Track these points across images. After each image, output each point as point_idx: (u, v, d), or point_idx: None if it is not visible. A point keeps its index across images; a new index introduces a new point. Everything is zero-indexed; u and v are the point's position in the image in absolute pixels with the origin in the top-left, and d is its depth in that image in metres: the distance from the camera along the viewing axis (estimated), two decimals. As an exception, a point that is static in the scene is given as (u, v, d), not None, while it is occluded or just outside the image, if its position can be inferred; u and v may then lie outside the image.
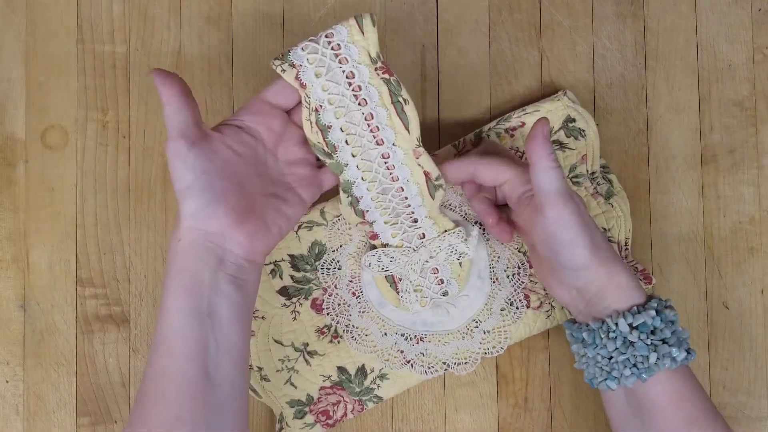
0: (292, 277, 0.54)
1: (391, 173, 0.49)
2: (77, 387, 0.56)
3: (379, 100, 0.47)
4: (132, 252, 0.56)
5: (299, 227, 0.54)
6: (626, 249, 0.54)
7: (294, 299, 0.54)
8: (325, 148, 0.48)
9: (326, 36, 0.46)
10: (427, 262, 0.52)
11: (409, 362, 0.53)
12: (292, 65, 0.46)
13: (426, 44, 0.57)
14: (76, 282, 0.56)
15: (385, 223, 0.51)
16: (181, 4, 0.57)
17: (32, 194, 0.56)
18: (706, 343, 0.56)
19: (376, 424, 0.56)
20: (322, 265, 0.54)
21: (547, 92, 0.57)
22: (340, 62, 0.47)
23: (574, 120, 0.54)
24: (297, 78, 0.47)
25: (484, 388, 0.56)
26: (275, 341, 0.54)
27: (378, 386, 0.54)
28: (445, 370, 0.53)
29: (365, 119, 0.48)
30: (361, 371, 0.54)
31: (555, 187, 0.46)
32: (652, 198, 0.57)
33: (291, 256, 0.54)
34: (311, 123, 0.47)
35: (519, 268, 0.54)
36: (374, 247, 0.52)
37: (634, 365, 0.45)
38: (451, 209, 0.54)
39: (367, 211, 0.51)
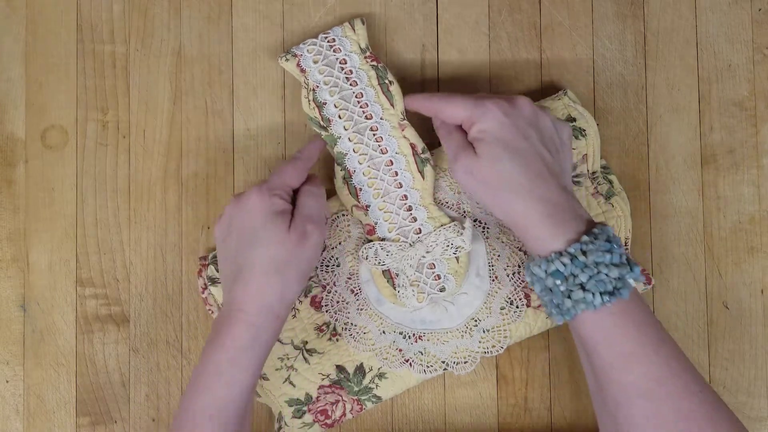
0: None
1: (379, 145, 0.53)
2: (77, 387, 0.56)
3: (368, 81, 0.54)
4: (132, 252, 0.56)
5: None
6: (626, 249, 0.54)
7: None
8: (321, 122, 0.54)
9: (323, 34, 0.54)
10: (423, 257, 0.52)
11: (407, 361, 0.53)
12: (294, 55, 0.54)
13: (426, 44, 0.57)
14: (76, 282, 0.56)
15: (380, 209, 0.53)
16: (181, 4, 0.57)
17: (32, 194, 0.56)
18: (706, 343, 0.56)
19: (376, 424, 0.56)
20: (321, 263, 0.54)
21: (547, 92, 0.57)
22: (334, 51, 0.54)
23: (574, 119, 0.54)
24: (298, 65, 0.54)
25: (484, 388, 0.56)
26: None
27: (377, 385, 0.54)
28: (444, 369, 0.53)
29: (356, 97, 0.54)
30: (360, 370, 0.54)
31: (482, 137, 0.48)
32: (652, 198, 0.57)
33: None
34: (309, 100, 0.54)
35: (519, 266, 0.54)
36: (371, 242, 0.53)
37: (557, 306, 0.46)
38: (448, 207, 0.54)
39: (361, 189, 0.53)
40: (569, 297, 0.45)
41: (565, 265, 0.45)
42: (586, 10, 0.58)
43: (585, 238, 0.46)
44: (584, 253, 0.45)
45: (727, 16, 0.58)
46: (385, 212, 0.53)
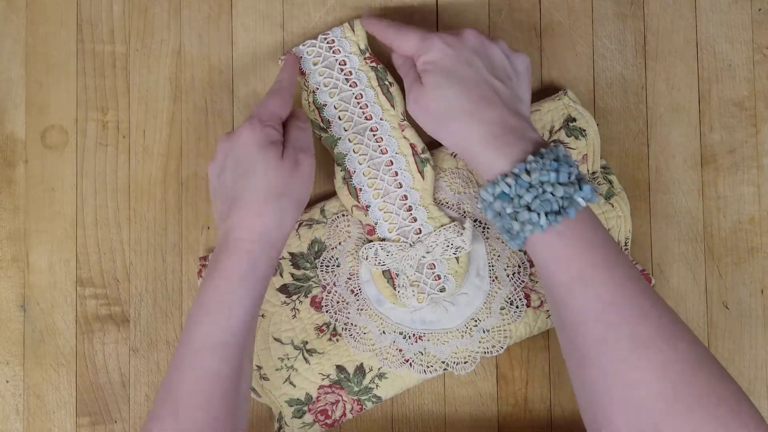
0: (292, 275, 0.54)
1: (379, 146, 0.53)
2: (77, 387, 0.56)
3: (368, 83, 0.54)
4: (132, 252, 0.56)
5: (300, 225, 0.54)
6: (626, 249, 0.54)
7: (294, 297, 0.54)
8: (321, 124, 0.54)
9: (323, 35, 0.55)
10: (423, 257, 0.52)
11: (407, 361, 0.53)
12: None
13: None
14: (76, 282, 0.56)
15: (380, 210, 0.53)
16: (181, 4, 0.57)
17: (32, 194, 0.56)
18: (706, 343, 0.56)
19: (376, 424, 0.56)
20: (321, 263, 0.54)
21: (547, 92, 0.57)
22: (333, 52, 0.54)
23: (574, 120, 0.54)
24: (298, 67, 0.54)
25: (484, 388, 0.56)
26: (275, 339, 0.54)
27: (377, 385, 0.54)
28: (444, 369, 0.53)
29: (355, 98, 0.54)
30: (360, 370, 0.54)
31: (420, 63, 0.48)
32: (652, 198, 0.57)
33: (291, 254, 0.54)
34: (309, 103, 0.54)
35: (519, 267, 0.54)
36: (371, 242, 0.53)
37: (508, 231, 0.45)
38: (448, 207, 0.54)
39: (361, 189, 0.53)
40: (516, 219, 0.44)
41: (509, 186, 0.44)
42: (586, 10, 0.57)
43: (530, 158, 0.44)
44: (528, 172, 0.44)
45: (727, 16, 0.58)
46: (385, 212, 0.53)
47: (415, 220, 0.53)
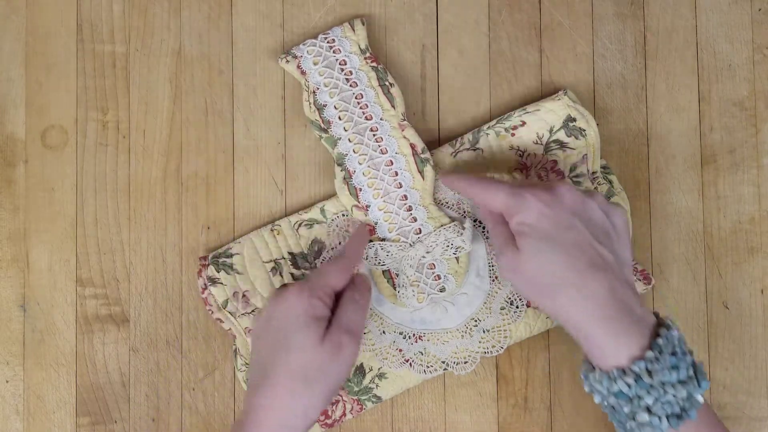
0: (292, 274, 0.54)
1: (379, 146, 0.53)
2: (77, 387, 0.56)
3: (368, 83, 0.54)
4: (132, 252, 0.56)
5: (300, 225, 0.54)
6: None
7: None
8: (321, 124, 0.54)
9: (323, 35, 0.54)
10: (423, 257, 0.52)
11: (407, 361, 0.53)
12: (294, 57, 0.54)
13: (426, 44, 0.57)
14: (76, 282, 0.56)
15: (380, 210, 0.53)
16: (181, 4, 0.57)
17: (32, 194, 0.56)
18: (706, 343, 0.56)
19: (376, 424, 0.56)
20: (321, 263, 0.54)
21: (547, 92, 0.57)
22: (334, 52, 0.54)
23: (574, 119, 0.54)
24: (298, 67, 0.54)
25: (484, 388, 0.56)
26: None
27: (377, 385, 0.54)
28: (444, 369, 0.53)
29: (356, 98, 0.54)
30: (360, 370, 0.54)
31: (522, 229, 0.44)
32: (652, 198, 0.57)
33: (291, 254, 0.54)
34: (309, 103, 0.54)
35: None
36: (372, 242, 0.53)
37: (620, 423, 0.43)
38: (448, 207, 0.54)
39: (361, 189, 0.53)
40: (633, 419, 0.42)
41: (629, 386, 0.42)
42: (586, 10, 0.57)
43: (649, 354, 0.42)
44: (649, 373, 0.41)
45: (727, 16, 0.58)
46: (385, 212, 0.53)
47: (415, 220, 0.53)
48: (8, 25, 0.57)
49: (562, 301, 0.43)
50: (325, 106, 0.54)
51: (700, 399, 0.42)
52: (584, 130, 0.54)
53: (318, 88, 0.54)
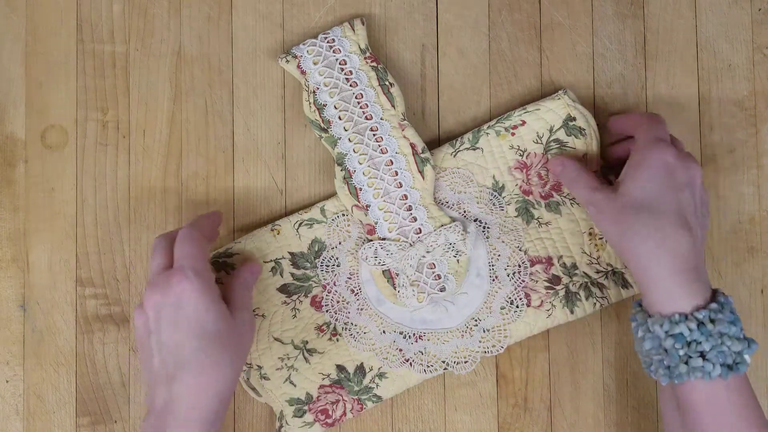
0: (292, 274, 0.54)
1: (379, 145, 0.53)
2: (77, 387, 0.56)
3: (368, 82, 0.54)
4: (132, 252, 0.56)
5: (300, 225, 0.54)
6: None
7: (294, 296, 0.54)
8: (321, 124, 0.54)
9: (323, 34, 0.54)
10: (423, 257, 0.52)
11: (407, 361, 0.53)
12: (294, 56, 0.54)
13: (426, 44, 0.57)
14: (76, 282, 0.56)
15: (380, 209, 0.53)
16: (181, 4, 0.57)
17: (32, 194, 0.56)
18: (706, 343, 0.56)
19: (376, 424, 0.56)
20: (322, 262, 0.54)
21: (547, 92, 0.57)
22: (334, 52, 0.54)
23: (574, 119, 0.54)
24: (298, 66, 0.54)
25: (484, 388, 0.56)
26: (275, 339, 0.54)
27: (377, 385, 0.54)
28: (445, 369, 0.53)
29: (356, 98, 0.53)
30: (360, 370, 0.54)
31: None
32: (652, 198, 0.57)
33: (291, 253, 0.54)
34: (309, 103, 0.54)
35: (519, 266, 0.54)
36: (371, 242, 0.53)
37: (668, 367, 0.45)
38: (448, 206, 0.54)
39: (361, 189, 0.53)
40: (686, 363, 0.44)
41: (690, 330, 0.44)
42: (586, 10, 0.57)
43: (713, 305, 0.45)
44: (712, 321, 0.45)
45: (727, 16, 0.58)
46: (385, 212, 0.53)
47: (415, 219, 0.53)
48: (8, 25, 0.57)
49: (644, 246, 0.46)
50: (325, 105, 0.54)
51: (748, 359, 0.45)
52: (584, 130, 0.54)
53: (318, 88, 0.54)
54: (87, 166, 0.56)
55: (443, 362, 0.53)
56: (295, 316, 0.54)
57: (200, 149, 0.56)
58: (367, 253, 0.53)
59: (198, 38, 0.57)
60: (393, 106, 0.53)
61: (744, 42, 0.58)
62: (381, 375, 0.54)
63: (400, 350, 0.53)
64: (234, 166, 0.56)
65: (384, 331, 0.54)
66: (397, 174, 0.53)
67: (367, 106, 0.53)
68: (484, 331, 0.53)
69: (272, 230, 0.54)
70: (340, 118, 0.53)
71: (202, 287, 0.45)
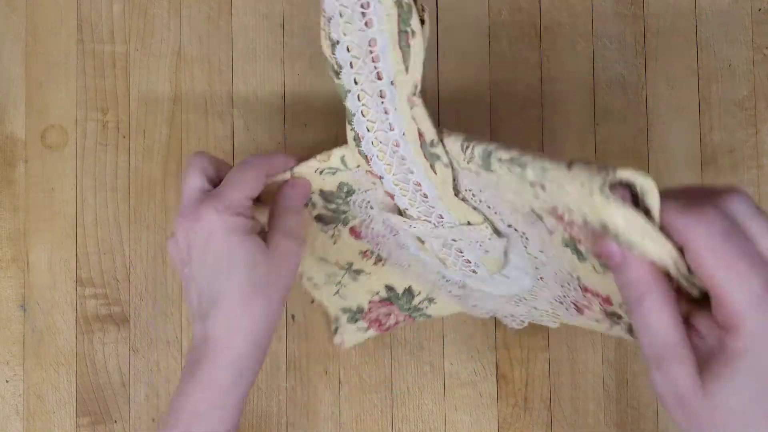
0: (325, 207, 0.48)
1: (387, 118, 0.42)
2: (77, 387, 0.56)
3: (386, 25, 0.39)
4: (132, 252, 0.56)
5: (321, 172, 0.46)
6: None
7: (331, 225, 0.49)
8: (335, 66, 0.41)
9: None
10: (453, 240, 0.45)
11: (456, 296, 0.50)
12: None
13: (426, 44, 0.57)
14: (76, 282, 0.56)
15: (395, 185, 0.44)
16: (181, 4, 0.57)
17: (32, 194, 0.56)
18: (706, 343, 0.56)
19: (376, 424, 0.56)
20: (354, 201, 0.47)
21: (546, 92, 0.57)
22: None
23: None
24: None
25: (484, 388, 0.56)
26: (321, 258, 0.51)
27: (426, 307, 0.53)
28: (493, 314, 0.50)
29: (368, 44, 0.39)
30: (408, 292, 0.52)
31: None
32: (652, 198, 0.57)
33: (321, 191, 0.47)
34: (326, 33, 0.41)
35: (569, 283, 0.43)
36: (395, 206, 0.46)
37: None
38: (478, 201, 0.44)
39: (371, 159, 0.43)
40: None
41: None
42: (586, 10, 0.58)
43: None
44: None
45: (727, 16, 0.58)
46: (401, 189, 0.44)
47: (434, 207, 0.44)
48: (8, 25, 0.57)
49: None
50: (337, 43, 0.40)
51: None
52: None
53: (332, 17, 0.39)
54: (87, 166, 0.56)
55: (492, 309, 0.50)
56: (335, 242, 0.50)
57: (200, 149, 0.56)
58: (391, 225, 0.46)
59: (198, 38, 0.57)
60: (406, 66, 0.39)
61: (744, 42, 0.58)
62: (430, 300, 0.52)
63: (449, 291, 0.50)
64: (234, 166, 0.56)
65: (426, 271, 0.50)
66: (404, 159, 0.42)
67: (379, 59, 0.40)
68: (534, 309, 0.48)
69: (293, 177, 0.47)
70: (351, 66, 0.40)
71: (235, 225, 0.42)
